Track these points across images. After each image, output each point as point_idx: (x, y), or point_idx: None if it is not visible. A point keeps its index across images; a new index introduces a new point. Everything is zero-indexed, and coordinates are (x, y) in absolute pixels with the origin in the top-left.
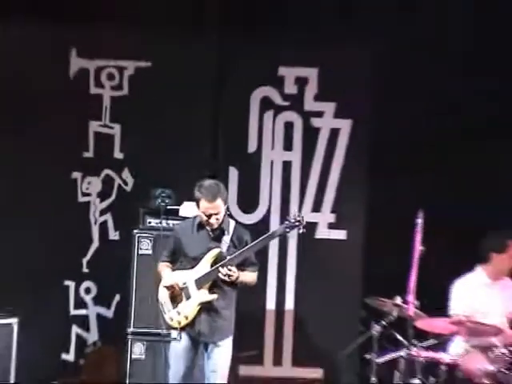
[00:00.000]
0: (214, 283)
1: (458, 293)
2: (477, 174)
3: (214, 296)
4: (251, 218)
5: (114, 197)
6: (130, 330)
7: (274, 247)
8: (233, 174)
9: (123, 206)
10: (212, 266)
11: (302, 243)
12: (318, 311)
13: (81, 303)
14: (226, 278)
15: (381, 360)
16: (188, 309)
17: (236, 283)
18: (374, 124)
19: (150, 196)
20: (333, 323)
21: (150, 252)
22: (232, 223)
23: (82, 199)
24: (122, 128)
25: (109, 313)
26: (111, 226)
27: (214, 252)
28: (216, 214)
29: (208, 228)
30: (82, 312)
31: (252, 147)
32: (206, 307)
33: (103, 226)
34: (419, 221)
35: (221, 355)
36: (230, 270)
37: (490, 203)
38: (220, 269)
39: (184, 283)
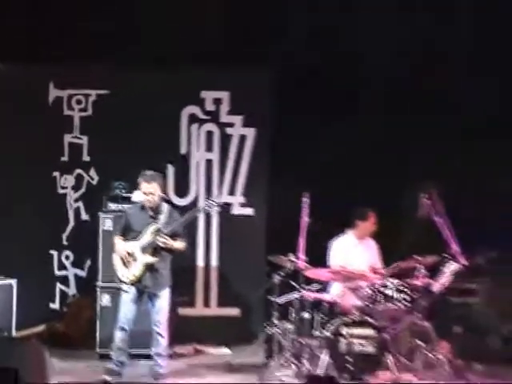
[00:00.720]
0: (154, 249)
1: (334, 250)
2: (349, 165)
3: (156, 259)
4: (184, 201)
5: (84, 189)
6: (99, 284)
7: (201, 221)
8: (170, 170)
9: (91, 196)
10: (152, 237)
11: (222, 218)
12: (235, 267)
13: (62, 266)
14: (163, 245)
15: (280, 301)
16: (136, 269)
17: (171, 249)
18: (273, 130)
19: (110, 187)
20: (246, 275)
21: (111, 228)
22: (166, 206)
23: (61, 191)
24: (89, 139)
25: (83, 273)
26: (83, 210)
27: (153, 226)
28: (152, 194)
29: (149, 209)
30: (64, 273)
31: (183, 150)
32: (149, 267)
33: (77, 211)
34: (305, 200)
35: (161, 301)
36: (166, 239)
37: (357, 186)
38: (158, 238)
39: (132, 250)
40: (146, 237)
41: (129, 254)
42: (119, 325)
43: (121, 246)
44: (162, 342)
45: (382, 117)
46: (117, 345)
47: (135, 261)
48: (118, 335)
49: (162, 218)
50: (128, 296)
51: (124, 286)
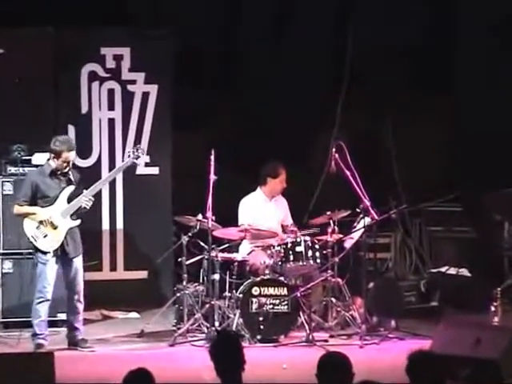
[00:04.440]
0: (74, 212)
1: (243, 208)
2: (256, 121)
3: (78, 221)
4: (87, 163)
5: None
6: (0, 251)
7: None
8: (71, 130)
9: None
10: (69, 200)
11: (126, 179)
12: (141, 229)
13: None
14: (88, 205)
15: (189, 262)
16: (59, 235)
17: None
18: (175, 87)
19: (9, 150)
20: (153, 237)
21: (11, 192)
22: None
23: None
24: None
25: None
26: None
27: (70, 189)
28: (71, 161)
29: (58, 173)
30: None
31: (84, 109)
32: (69, 231)
33: None
34: (211, 157)
35: (78, 265)
36: (90, 199)
37: (266, 142)
38: (84, 199)
39: (50, 216)
40: (62, 201)
41: (48, 221)
42: (42, 297)
43: (39, 212)
44: (80, 309)
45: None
46: (42, 318)
47: (55, 228)
48: (43, 308)
49: (72, 180)
50: (48, 265)
51: (43, 256)
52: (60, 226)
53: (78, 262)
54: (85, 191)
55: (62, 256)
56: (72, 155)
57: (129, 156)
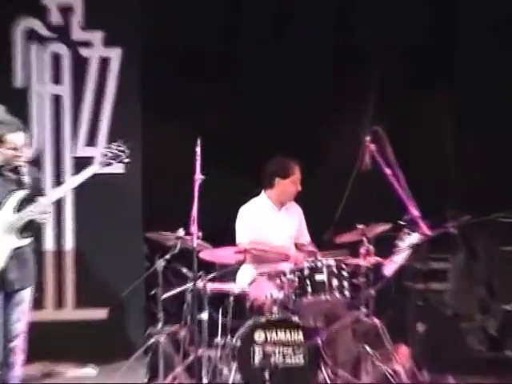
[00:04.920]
0: (24, 227)
1: (242, 219)
2: (252, 103)
3: (28, 239)
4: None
5: None
6: None
7: (48, 185)
8: (0, 111)
9: None
10: (18, 210)
11: None
12: (99, 249)
13: None
14: (44, 218)
15: (167, 295)
16: None
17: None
18: (145, 51)
19: None
20: (116, 261)
21: None
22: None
23: None
24: None
25: None
26: None
27: (19, 195)
28: (20, 149)
29: (4, 170)
30: None
31: (18, 82)
32: (16, 253)
33: None
34: (198, 149)
35: (24, 301)
36: (47, 210)
37: (270, 129)
38: (38, 209)
39: None
40: (7, 210)
41: None
42: None
43: None
44: (18, 361)
45: None
46: None
47: None
48: None
49: (26, 181)
50: None
51: None
52: (1, 244)
53: (24, 296)
54: (40, 198)
55: (2, 286)
56: (20, 138)
57: (105, 155)
